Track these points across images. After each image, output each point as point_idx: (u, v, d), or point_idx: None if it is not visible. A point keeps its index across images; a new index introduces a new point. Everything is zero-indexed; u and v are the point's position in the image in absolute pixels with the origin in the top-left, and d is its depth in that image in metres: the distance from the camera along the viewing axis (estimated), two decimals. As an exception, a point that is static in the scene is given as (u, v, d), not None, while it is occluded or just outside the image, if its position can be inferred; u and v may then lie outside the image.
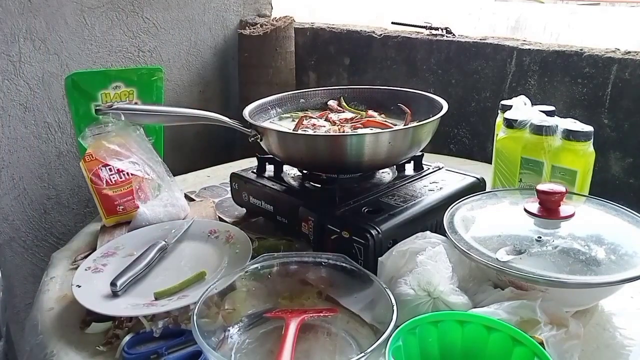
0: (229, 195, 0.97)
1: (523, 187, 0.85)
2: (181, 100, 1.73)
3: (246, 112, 0.90)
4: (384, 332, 0.51)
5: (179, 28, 1.67)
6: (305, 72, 1.80)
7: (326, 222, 0.73)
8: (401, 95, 0.99)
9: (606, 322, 0.65)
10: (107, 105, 0.80)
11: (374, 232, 0.68)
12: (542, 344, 0.51)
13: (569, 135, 0.79)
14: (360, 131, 0.89)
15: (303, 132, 0.89)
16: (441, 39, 1.42)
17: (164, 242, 0.79)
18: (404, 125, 0.90)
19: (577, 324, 0.56)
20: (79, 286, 0.69)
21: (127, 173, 0.91)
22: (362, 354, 0.50)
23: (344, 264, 0.65)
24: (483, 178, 0.87)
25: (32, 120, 1.40)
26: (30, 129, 1.40)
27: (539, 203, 0.68)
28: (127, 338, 0.62)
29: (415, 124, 0.83)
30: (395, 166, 0.90)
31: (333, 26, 1.69)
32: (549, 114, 0.87)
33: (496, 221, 0.72)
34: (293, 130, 0.90)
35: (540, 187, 0.68)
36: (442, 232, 0.69)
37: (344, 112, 1.01)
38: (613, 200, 0.72)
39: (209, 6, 1.73)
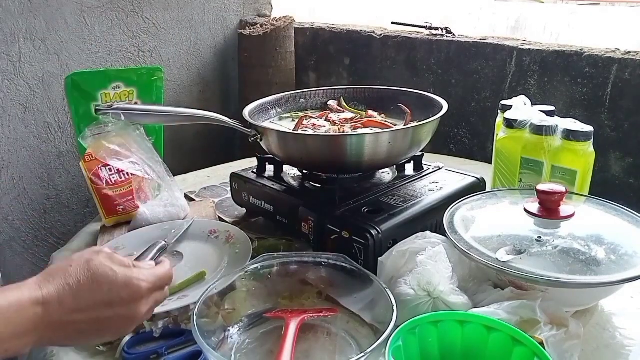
0: (229, 195, 0.97)
1: (523, 187, 0.85)
2: (181, 100, 1.73)
3: (246, 112, 0.90)
4: (384, 332, 0.51)
5: (179, 28, 1.67)
6: (305, 72, 1.80)
7: (326, 222, 0.73)
8: (401, 95, 0.98)
9: (606, 322, 0.65)
10: (107, 105, 0.80)
11: (374, 232, 0.68)
12: (542, 344, 0.51)
13: (569, 135, 0.79)
14: (360, 131, 0.89)
15: (303, 132, 0.89)
16: (441, 39, 1.42)
17: (164, 242, 0.79)
18: (404, 125, 0.90)
19: (577, 324, 0.56)
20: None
21: (127, 173, 0.91)
22: (362, 354, 0.50)
23: (344, 264, 0.65)
24: (483, 178, 0.87)
25: (32, 120, 1.40)
26: (30, 129, 1.40)
27: (539, 203, 0.68)
28: (127, 338, 0.62)
29: (415, 124, 0.83)
30: (395, 166, 0.90)
31: (333, 26, 1.69)
32: (549, 114, 0.87)
33: (496, 221, 0.72)
34: (293, 130, 0.90)
35: (540, 187, 0.68)
36: (442, 232, 0.69)
37: (344, 112, 1.01)
38: (613, 200, 0.72)
39: (209, 6, 1.73)
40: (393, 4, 1.70)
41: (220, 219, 0.93)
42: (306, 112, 1.02)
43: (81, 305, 0.48)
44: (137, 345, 0.62)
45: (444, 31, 1.44)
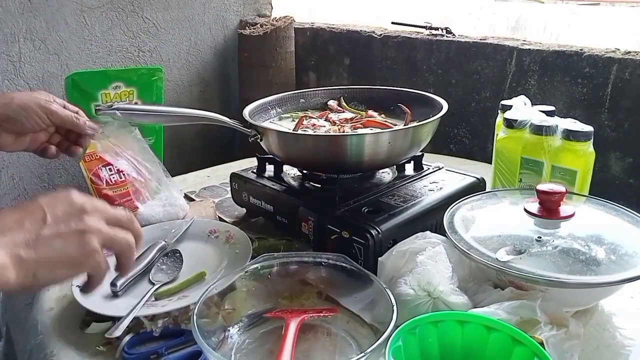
0: (229, 195, 0.97)
1: (523, 187, 0.85)
2: (181, 100, 1.73)
3: (246, 112, 0.90)
4: (384, 332, 0.51)
5: (179, 28, 1.67)
6: (305, 72, 1.80)
7: (326, 222, 0.73)
8: (401, 95, 0.98)
9: (606, 322, 0.65)
10: (107, 105, 0.80)
11: (374, 232, 0.68)
12: (542, 344, 0.51)
13: (569, 135, 0.79)
14: (360, 131, 0.89)
15: (303, 132, 0.89)
16: (441, 39, 1.42)
17: (163, 242, 0.79)
18: (404, 125, 0.90)
19: (577, 324, 0.56)
20: (79, 286, 0.69)
21: (127, 173, 0.91)
22: (362, 354, 0.50)
23: (344, 264, 0.65)
24: (483, 178, 0.87)
25: (32, 120, 1.39)
26: (30, 129, 1.40)
27: (539, 203, 0.68)
28: (127, 338, 0.62)
29: (415, 124, 0.83)
30: (395, 166, 0.90)
31: (333, 26, 1.69)
32: (549, 114, 0.87)
33: (496, 221, 0.72)
34: (293, 130, 0.90)
35: (540, 187, 0.68)
36: (442, 232, 0.68)
37: (344, 112, 1.00)
38: (613, 200, 0.72)
39: (209, 6, 1.73)
40: (393, 4, 1.70)
41: (220, 219, 0.93)
42: (306, 112, 1.02)
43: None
44: (137, 345, 0.62)
45: (444, 31, 1.44)
